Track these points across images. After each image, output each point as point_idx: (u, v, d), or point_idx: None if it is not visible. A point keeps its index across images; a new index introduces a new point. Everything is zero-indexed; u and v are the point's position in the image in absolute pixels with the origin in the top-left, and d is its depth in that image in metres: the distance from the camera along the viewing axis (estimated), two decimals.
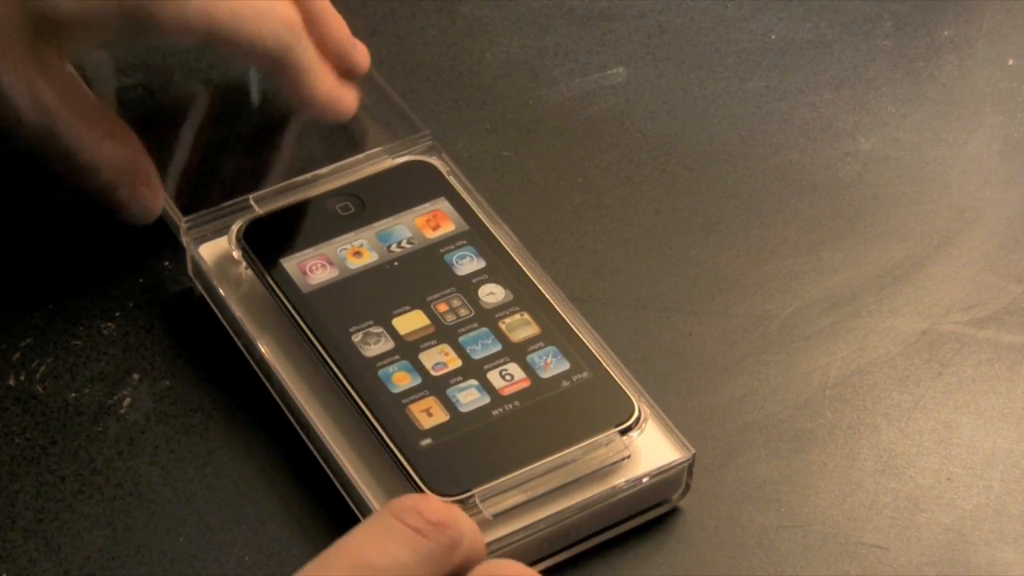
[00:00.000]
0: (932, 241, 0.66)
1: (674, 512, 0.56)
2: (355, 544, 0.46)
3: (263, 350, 0.58)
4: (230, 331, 0.60)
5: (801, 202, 0.67)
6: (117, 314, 0.62)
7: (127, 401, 0.59)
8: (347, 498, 0.55)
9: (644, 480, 0.55)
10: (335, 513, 0.56)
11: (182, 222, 0.61)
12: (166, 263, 0.63)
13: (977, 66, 0.73)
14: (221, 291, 0.60)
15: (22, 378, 0.60)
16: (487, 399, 0.56)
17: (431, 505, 0.47)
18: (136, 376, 0.60)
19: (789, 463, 0.58)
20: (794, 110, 0.71)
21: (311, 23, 0.63)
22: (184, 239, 0.61)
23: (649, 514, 0.56)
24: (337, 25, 0.64)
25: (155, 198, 0.62)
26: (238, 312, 0.59)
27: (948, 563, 0.56)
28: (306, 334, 0.57)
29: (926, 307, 0.64)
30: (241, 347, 0.60)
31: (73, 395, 0.59)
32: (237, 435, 0.58)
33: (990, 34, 0.74)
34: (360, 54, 0.65)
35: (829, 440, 0.59)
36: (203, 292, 0.61)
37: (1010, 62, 0.73)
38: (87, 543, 0.55)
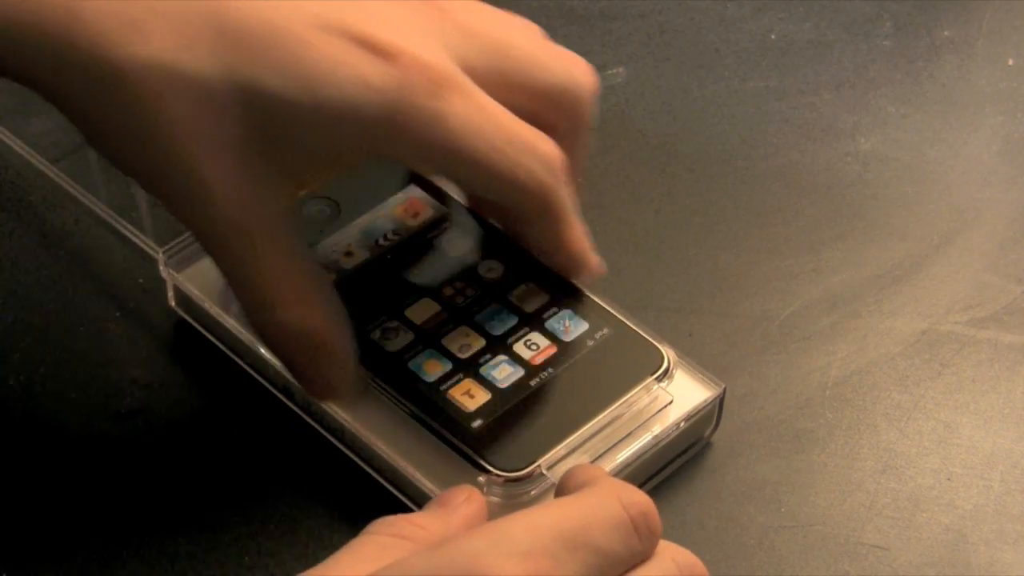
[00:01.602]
0: (932, 241, 0.66)
1: (674, 511, 0.56)
2: (581, 519, 0.46)
3: (276, 363, 0.58)
4: (232, 354, 0.60)
5: (801, 202, 0.67)
6: (117, 314, 0.62)
7: (127, 401, 0.59)
8: (398, 493, 0.55)
9: (683, 423, 0.56)
10: (336, 512, 0.56)
11: (159, 253, 0.60)
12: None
13: (977, 66, 0.73)
14: (214, 312, 0.59)
15: (22, 378, 0.60)
16: (521, 371, 0.56)
17: (656, 516, 0.48)
18: (136, 376, 0.60)
19: (789, 463, 0.58)
20: (794, 110, 0.71)
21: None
22: (163, 269, 0.60)
23: (687, 455, 0.58)
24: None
25: (344, 381, 0.54)
26: (238, 329, 0.59)
27: (948, 563, 0.56)
28: None
29: (926, 307, 0.64)
30: (245, 366, 0.59)
31: (73, 395, 0.59)
32: (237, 435, 0.58)
33: (990, 34, 0.74)
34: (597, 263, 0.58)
35: (829, 440, 0.59)
36: (190, 319, 0.61)
37: (1010, 62, 0.73)
38: (87, 543, 0.55)
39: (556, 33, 0.73)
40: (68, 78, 0.49)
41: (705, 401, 0.57)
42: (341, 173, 0.56)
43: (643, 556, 0.47)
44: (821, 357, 0.62)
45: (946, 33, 0.74)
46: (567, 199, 0.54)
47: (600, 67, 0.72)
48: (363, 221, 0.61)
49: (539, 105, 0.53)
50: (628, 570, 0.47)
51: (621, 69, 0.72)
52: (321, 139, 0.50)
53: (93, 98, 0.49)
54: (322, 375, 0.53)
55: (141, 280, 0.63)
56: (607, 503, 0.47)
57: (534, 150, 0.52)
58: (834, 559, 0.56)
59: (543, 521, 0.46)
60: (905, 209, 0.67)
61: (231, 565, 0.55)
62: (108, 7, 0.48)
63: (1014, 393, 0.61)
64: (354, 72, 0.49)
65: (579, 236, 0.56)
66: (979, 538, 0.56)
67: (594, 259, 0.57)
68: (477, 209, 0.60)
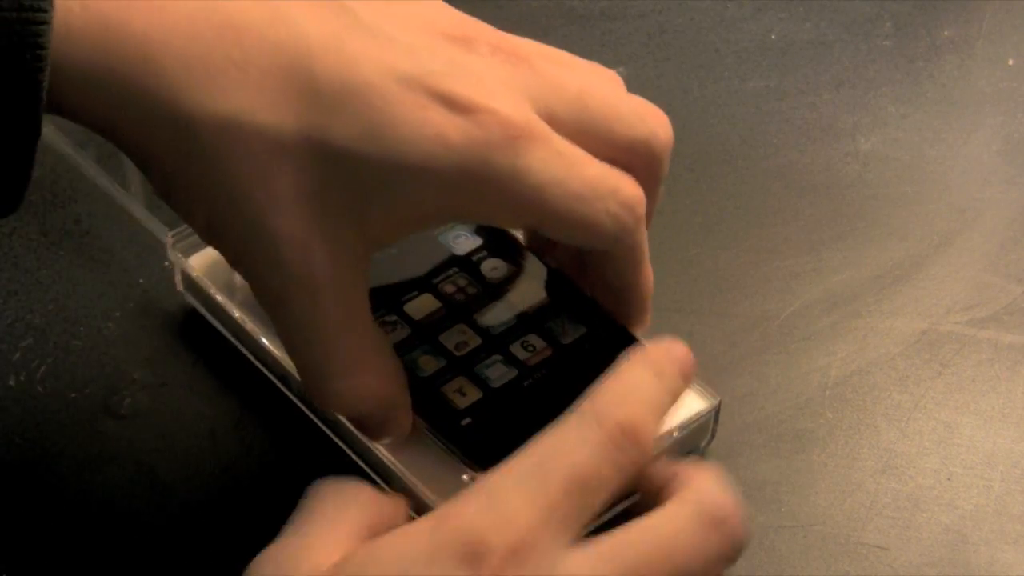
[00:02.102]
0: (932, 241, 0.66)
1: None
2: (569, 457, 0.47)
3: (276, 352, 0.58)
4: (232, 339, 0.60)
5: (801, 202, 0.67)
6: (117, 314, 0.62)
7: (127, 401, 0.59)
8: (386, 488, 0.55)
9: (676, 432, 0.56)
10: None
11: (167, 236, 0.60)
12: (165, 263, 0.63)
13: (977, 66, 0.73)
14: (219, 299, 0.59)
15: (22, 378, 0.60)
16: (515, 372, 0.56)
17: (640, 429, 0.48)
18: (136, 376, 0.60)
19: (789, 463, 0.58)
20: (794, 110, 0.71)
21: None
22: (171, 253, 0.60)
23: None
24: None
25: (402, 431, 0.54)
26: (242, 317, 0.59)
27: (948, 563, 0.56)
28: None
29: (926, 307, 0.64)
30: (247, 353, 0.59)
31: (73, 395, 0.59)
32: (237, 435, 0.58)
33: (990, 34, 0.74)
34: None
35: (829, 440, 0.59)
36: (196, 304, 0.61)
37: (1010, 62, 0.73)
38: (87, 543, 0.55)
39: (556, 33, 0.73)
40: (140, 126, 0.48)
41: (699, 413, 0.56)
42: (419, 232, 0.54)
43: (636, 466, 0.47)
44: (821, 357, 0.62)
45: (946, 33, 0.74)
46: (645, 241, 0.54)
47: None
48: None
49: (617, 155, 0.53)
50: (635, 487, 0.48)
51: (621, 69, 0.72)
52: (398, 197, 0.49)
53: (164, 148, 0.48)
54: (378, 428, 0.54)
55: (141, 280, 0.63)
56: (581, 430, 0.47)
57: (616, 193, 0.52)
58: (834, 559, 0.56)
59: (527, 476, 0.46)
60: (905, 209, 0.67)
61: (231, 564, 0.55)
62: (185, 57, 0.47)
63: (1014, 393, 0.61)
64: (432, 129, 0.48)
65: (649, 281, 0.56)
66: (979, 538, 0.56)
67: (648, 309, 0.57)
68: (539, 252, 0.59)
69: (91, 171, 0.66)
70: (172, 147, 0.48)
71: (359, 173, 0.48)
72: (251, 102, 0.48)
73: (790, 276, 0.65)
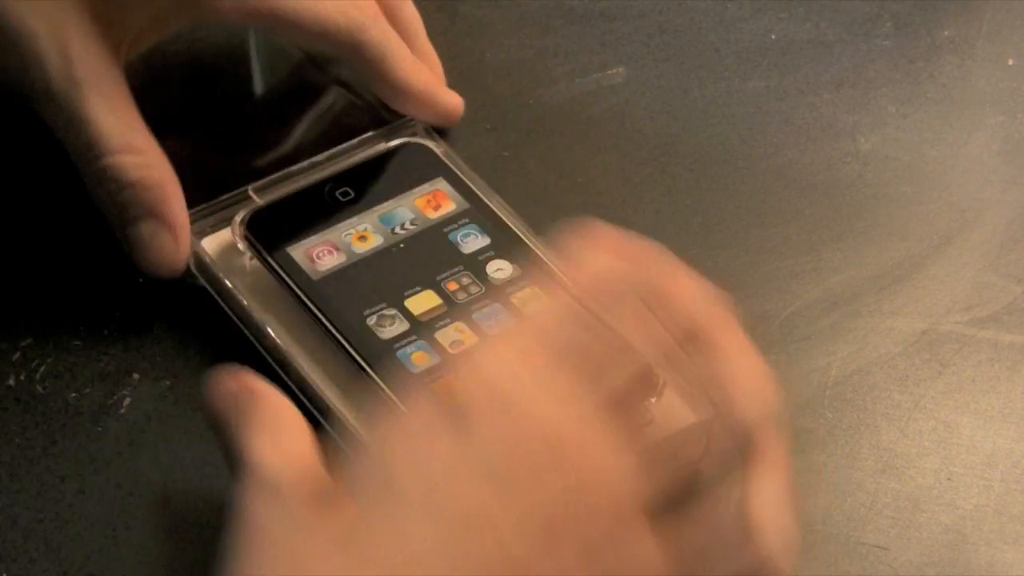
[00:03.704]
0: (932, 241, 0.66)
1: None
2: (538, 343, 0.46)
3: (276, 338, 0.58)
4: (239, 323, 0.60)
5: (801, 202, 0.67)
6: (117, 314, 0.62)
7: (127, 401, 0.59)
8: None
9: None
10: None
11: None
12: None
13: (977, 66, 0.73)
14: (228, 283, 0.60)
15: (22, 378, 0.60)
16: None
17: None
18: (136, 376, 0.60)
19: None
20: (794, 110, 0.71)
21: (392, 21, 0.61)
22: None
23: None
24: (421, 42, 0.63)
25: (179, 248, 0.59)
26: (247, 303, 0.59)
27: (948, 563, 0.56)
28: (320, 320, 0.57)
29: (926, 307, 0.64)
30: (251, 337, 0.60)
31: (73, 395, 0.59)
32: None
33: (990, 34, 0.74)
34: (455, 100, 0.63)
35: (829, 440, 0.59)
36: (207, 286, 0.61)
37: (1010, 62, 0.73)
38: (87, 543, 0.55)
39: (556, 33, 0.73)
40: None
41: (690, 426, 0.56)
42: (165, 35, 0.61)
43: (607, 331, 0.46)
44: (821, 357, 0.62)
45: (946, 33, 0.74)
46: (386, 33, 0.59)
47: (600, 67, 0.72)
48: (383, 208, 0.61)
49: None
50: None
51: (621, 69, 0.72)
52: (142, 7, 0.57)
53: None
54: (153, 237, 0.58)
55: (142, 280, 0.63)
56: (552, 307, 0.47)
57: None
58: (834, 559, 0.56)
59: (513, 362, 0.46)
60: (905, 209, 0.67)
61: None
62: None
63: (1014, 393, 0.61)
64: None
65: (417, 72, 0.60)
66: (979, 538, 0.56)
67: (452, 97, 0.62)
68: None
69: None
70: None
71: None
72: None
73: (790, 276, 0.65)
